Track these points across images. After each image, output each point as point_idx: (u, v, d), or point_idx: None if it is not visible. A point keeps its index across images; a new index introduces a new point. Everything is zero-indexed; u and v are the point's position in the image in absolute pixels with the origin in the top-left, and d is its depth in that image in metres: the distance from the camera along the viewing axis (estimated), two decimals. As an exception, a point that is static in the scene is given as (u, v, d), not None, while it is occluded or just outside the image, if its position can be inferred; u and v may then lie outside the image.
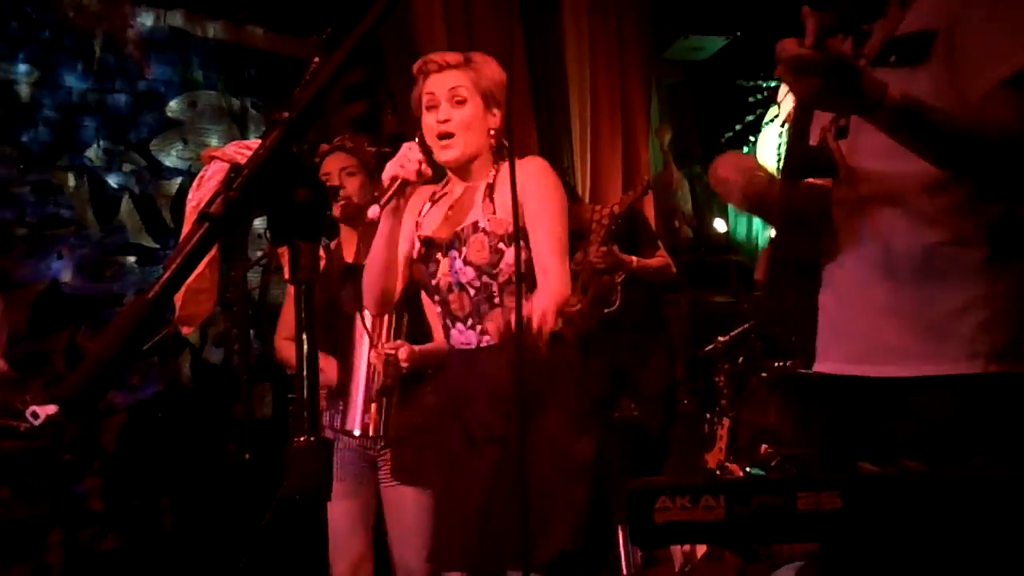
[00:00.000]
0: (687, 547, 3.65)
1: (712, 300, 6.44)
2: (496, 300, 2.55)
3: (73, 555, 4.55)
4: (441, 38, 5.45)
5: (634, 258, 4.25)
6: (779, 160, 1.99)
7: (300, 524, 1.23)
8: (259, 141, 2.27)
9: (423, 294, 2.81)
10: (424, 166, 2.47)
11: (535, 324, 2.31)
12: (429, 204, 2.73)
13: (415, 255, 2.67)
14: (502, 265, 2.53)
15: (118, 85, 5.01)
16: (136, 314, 1.06)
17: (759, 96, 7.25)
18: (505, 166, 2.58)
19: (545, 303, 2.37)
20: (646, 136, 6.57)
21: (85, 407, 1.03)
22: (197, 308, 2.46)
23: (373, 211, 2.42)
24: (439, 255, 2.61)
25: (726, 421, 4.30)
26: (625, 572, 3.63)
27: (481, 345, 2.58)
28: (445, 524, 2.61)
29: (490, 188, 2.60)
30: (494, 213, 2.56)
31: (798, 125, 1.82)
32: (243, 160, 2.19)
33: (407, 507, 3.12)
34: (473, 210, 2.60)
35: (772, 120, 6.90)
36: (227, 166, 2.13)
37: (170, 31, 5.19)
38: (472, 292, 2.56)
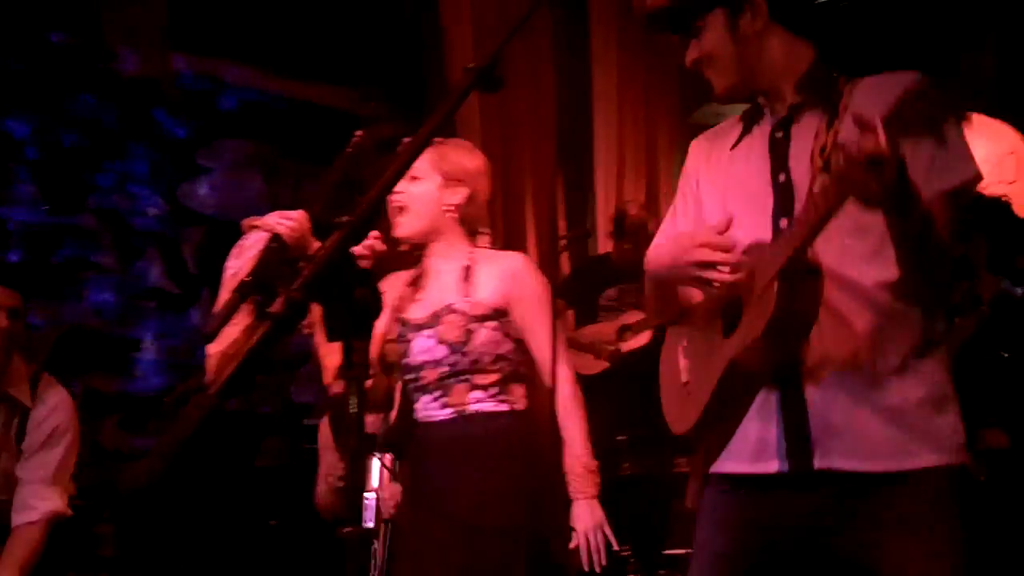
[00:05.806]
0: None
1: None
2: (464, 377, 2.64)
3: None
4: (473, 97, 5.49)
5: None
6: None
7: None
8: (301, 212, 2.32)
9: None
10: (287, 229, 2.28)
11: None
12: (407, 287, 2.78)
13: (391, 335, 2.72)
14: (473, 345, 2.62)
15: (146, 130, 5.08)
16: (201, 410, 1.11)
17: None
18: (485, 250, 2.74)
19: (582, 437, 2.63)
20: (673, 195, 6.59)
21: (152, 495, 1.08)
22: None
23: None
24: (411, 334, 2.68)
25: None
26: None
27: (442, 420, 2.66)
28: None
29: (467, 270, 2.69)
30: (468, 296, 2.65)
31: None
32: (283, 230, 2.24)
33: None
34: (448, 292, 2.68)
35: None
36: (267, 235, 2.18)
37: (202, 78, 5.27)
38: (444, 369, 2.65)
